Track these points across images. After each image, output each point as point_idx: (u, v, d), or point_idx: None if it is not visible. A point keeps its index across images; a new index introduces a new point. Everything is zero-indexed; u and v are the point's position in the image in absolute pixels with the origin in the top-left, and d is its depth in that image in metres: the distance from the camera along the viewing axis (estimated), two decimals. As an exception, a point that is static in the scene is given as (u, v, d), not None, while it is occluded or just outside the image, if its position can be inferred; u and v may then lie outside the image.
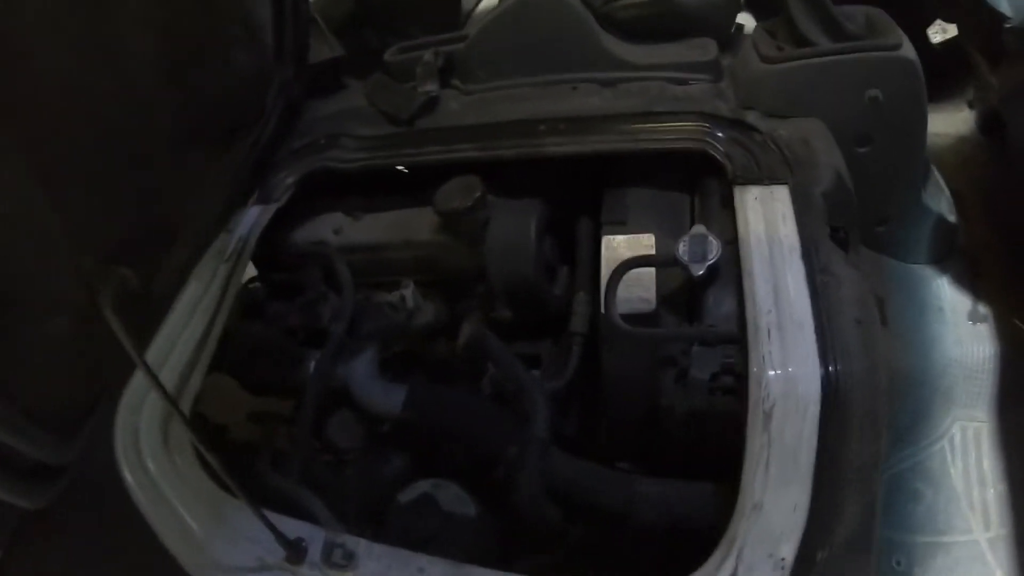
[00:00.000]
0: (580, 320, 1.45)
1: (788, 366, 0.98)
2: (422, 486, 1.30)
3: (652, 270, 1.28)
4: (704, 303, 1.20)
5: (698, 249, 1.16)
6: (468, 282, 1.57)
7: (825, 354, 0.99)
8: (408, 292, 1.54)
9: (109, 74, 1.11)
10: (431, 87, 1.61)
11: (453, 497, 1.29)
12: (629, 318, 1.23)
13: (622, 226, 1.36)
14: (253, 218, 1.51)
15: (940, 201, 1.78)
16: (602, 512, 1.25)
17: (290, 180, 1.57)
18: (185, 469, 1.15)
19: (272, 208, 1.53)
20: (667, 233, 1.33)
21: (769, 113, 1.41)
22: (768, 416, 0.95)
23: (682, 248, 1.17)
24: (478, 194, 1.44)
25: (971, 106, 1.99)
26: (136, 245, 1.16)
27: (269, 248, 1.62)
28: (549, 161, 1.47)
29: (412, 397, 1.38)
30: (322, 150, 1.60)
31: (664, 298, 1.27)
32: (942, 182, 1.84)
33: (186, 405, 1.21)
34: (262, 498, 1.04)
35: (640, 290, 1.27)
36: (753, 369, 0.98)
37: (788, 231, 1.16)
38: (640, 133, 1.40)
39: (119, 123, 1.14)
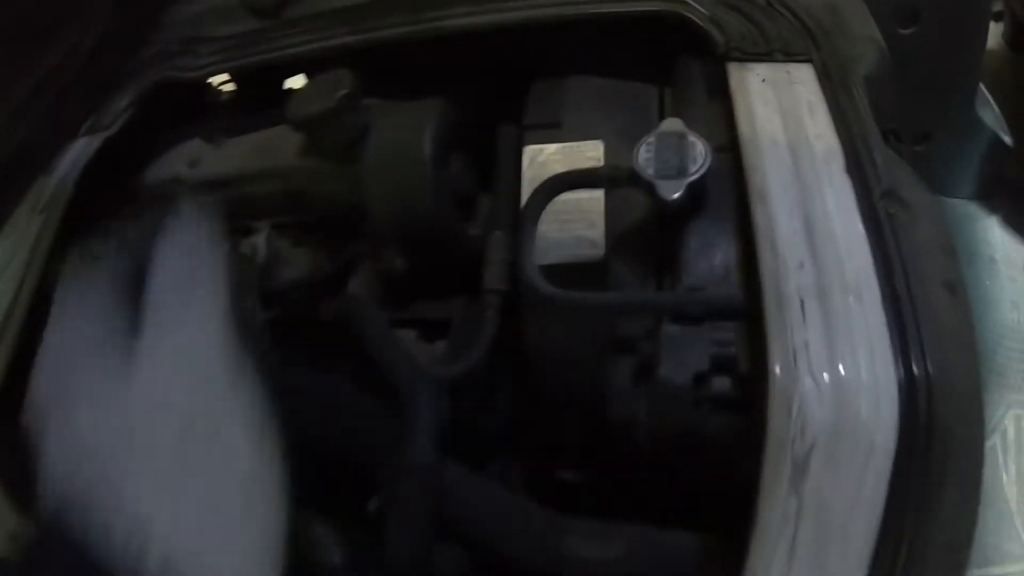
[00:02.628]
0: (496, 272, 1.01)
1: (838, 367, 0.52)
2: None
3: (600, 198, 0.82)
4: (682, 248, 0.74)
5: (671, 157, 0.68)
6: (352, 220, 1.14)
7: (906, 347, 0.53)
8: (260, 239, 1.15)
9: None
10: None
11: (310, 536, 0.88)
12: (564, 270, 0.80)
13: (555, 130, 0.92)
14: (76, 153, 1.18)
15: (990, 116, 1.38)
16: (519, 568, 0.81)
17: (124, 102, 1.22)
18: None
19: (99, 137, 1.17)
20: (624, 140, 0.87)
21: (773, -30, 0.97)
22: (801, 468, 0.49)
23: (643, 155, 0.69)
24: (344, 91, 1.02)
25: (998, 18, 1.70)
26: None
27: (116, 191, 1.24)
28: (455, 45, 1.05)
29: None
30: (169, 58, 1.24)
31: (619, 240, 0.82)
32: (987, 93, 1.44)
33: None
34: None
35: (582, 226, 0.81)
36: (775, 371, 0.52)
37: (821, 128, 0.70)
38: None
39: None
